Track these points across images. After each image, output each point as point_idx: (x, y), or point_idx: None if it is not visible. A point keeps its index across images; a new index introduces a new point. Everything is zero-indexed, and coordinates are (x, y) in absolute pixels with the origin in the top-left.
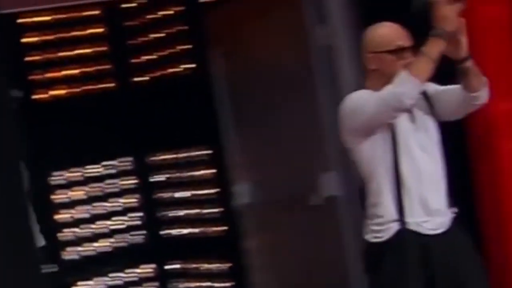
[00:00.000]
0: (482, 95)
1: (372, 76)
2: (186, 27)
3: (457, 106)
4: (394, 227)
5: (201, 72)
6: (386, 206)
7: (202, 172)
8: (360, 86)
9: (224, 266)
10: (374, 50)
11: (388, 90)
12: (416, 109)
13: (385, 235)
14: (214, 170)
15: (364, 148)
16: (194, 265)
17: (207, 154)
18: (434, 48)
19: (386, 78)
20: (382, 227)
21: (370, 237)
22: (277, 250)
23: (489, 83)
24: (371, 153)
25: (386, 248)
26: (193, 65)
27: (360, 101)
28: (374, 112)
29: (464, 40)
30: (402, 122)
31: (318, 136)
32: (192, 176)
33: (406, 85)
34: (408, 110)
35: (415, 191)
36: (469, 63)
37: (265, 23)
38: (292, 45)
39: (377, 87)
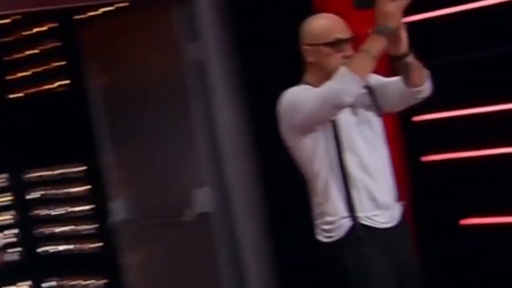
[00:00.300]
0: (426, 89)
1: (310, 69)
2: (60, 43)
3: (400, 99)
4: (346, 223)
5: (76, 88)
6: (335, 203)
7: (78, 188)
8: (233, 102)
9: (100, 282)
10: (311, 42)
11: (328, 86)
12: (359, 102)
13: (338, 233)
14: (89, 187)
15: (306, 145)
16: (71, 282)
17: (82, 171)
18: (376, 45)
19: (324, 71)
20: (333, 226)
21: (322, 238)
22: (153, 266)
23: None
24: (314, 150)
25: (342, 246)
26: (68, 81)
27: (298, 97)
28: (314, 109)
29: (404, 36)
30: (345, 116)
31: (191, 152)
32: (68, 193)
33: (347, 82)
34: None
35: (363, 185)
36: (410, 59)
37: (138, 38)
38: (165, 61)
39: (315, 81)
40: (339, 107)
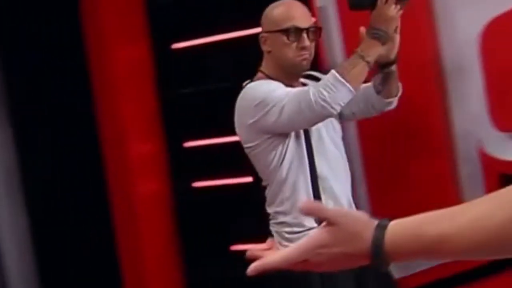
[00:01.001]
0: (395, 101)
1: (267, 59)
2: None
3: (364, 107)
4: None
5: None
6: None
7: None
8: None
9: None
10: (267, 29)
11: (314, 92)
12: None
13: None
14: None
15: (273, 147)
16: None
17: None
18: (372, 51)
19: (281, 62)
20: (299, 235)
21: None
22: None
23: (127, 125)
24: (282, 152)
25: None
26: None
27: (268, 95)
28: (293, 115)
29: (397, 42)
30: None
31: None
32: None
33: (337, 90)
34: None
35: (331, 192)
36: (394, 67)
37: None
38: None
39: (273, 72)
40: (325, 117)
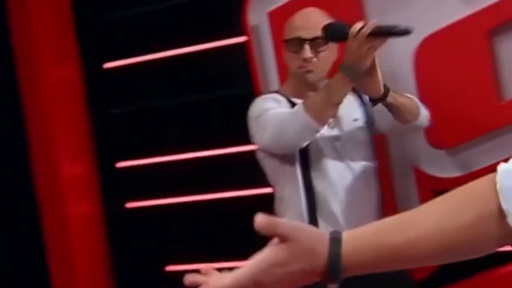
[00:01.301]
0: (421, 122)
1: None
2: None
3: (393, 126)
4: None
5: None
6: None
7: None
8: None
9: None
10: (282, 39)
11: (282, 120)
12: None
13: None
14: None
15: (271, 163)
16: None
17: None
18: (339, 88)
19: (289, 74)
20: None
21: None
22: None
23: (58, 145)
24: (281, 169)
25: None
26: None
27: (260, 113)
28: (272, 140)
29: (377, 78)
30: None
31: None
32: None
33: (299, 124)
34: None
35: (329, 212)
36: (390, 99)
37: None
38: None
39: (287, 84)
40: (291, 148)
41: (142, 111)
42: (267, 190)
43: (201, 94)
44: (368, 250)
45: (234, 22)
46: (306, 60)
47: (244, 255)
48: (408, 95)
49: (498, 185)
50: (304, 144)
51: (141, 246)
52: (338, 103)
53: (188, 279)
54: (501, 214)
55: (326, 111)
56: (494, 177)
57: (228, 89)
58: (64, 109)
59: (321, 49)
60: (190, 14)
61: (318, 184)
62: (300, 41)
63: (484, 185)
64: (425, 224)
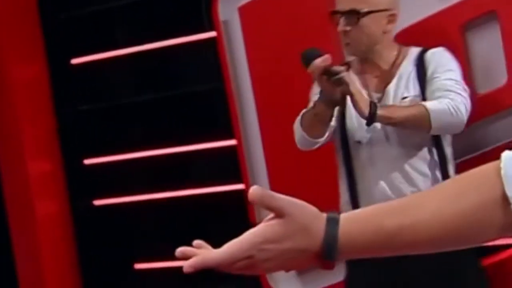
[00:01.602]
0: (440, 131)
1: None
2: None
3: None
4: None
5: None
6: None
7: None
8: None
9: None
10: None
11: (294, 125)
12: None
13: None
14: None
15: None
16: None
17: None
18: (323, 108)
19: None
20: None
21: None
22: None
23: (24, 143)
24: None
25: None
26: None
27: None
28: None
29: (360, 100)
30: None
31: None
32: None
33: (297, 134)
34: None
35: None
36: (381, 119)
37: None
38: None
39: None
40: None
41: (109, 108)
42: (236, 186)
43: (170, 90)
44: (365, 233)
45: (203, 17)
46: (342, 34)
47: None
48: (423, 104)
49: (502, 172)
50: (312, 148)
51: (109, 244)
52: (325, 121)
53: (180, 250)
54: (505, 201)
55: (314, 127)
56: (499, 164)
57: (198, 85)
58: (30, 105)
59: (349, 22)
60: (159, 9)
61: (360, 175)
62: (334, 14)
63: (488, 172)
64: (424, 209)
